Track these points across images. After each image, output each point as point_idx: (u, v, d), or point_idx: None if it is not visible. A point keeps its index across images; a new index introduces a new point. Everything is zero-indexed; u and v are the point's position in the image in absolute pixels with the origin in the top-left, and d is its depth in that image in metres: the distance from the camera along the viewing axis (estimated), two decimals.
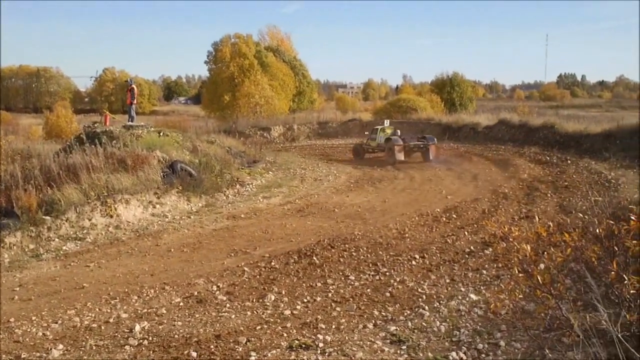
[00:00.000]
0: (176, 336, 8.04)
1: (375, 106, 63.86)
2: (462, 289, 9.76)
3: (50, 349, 7.73)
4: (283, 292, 9.84)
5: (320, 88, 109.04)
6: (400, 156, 27.79)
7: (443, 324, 8.15)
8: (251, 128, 42.10)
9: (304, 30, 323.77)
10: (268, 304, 9.31)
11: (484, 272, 10.69)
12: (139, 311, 9.22)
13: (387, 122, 32.34)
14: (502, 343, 7.37)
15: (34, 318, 9.05)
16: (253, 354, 7.26)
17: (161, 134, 23.56)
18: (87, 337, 8.17)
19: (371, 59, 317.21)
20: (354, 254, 12.04)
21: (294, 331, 8.08)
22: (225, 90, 54.63)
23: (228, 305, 9.35)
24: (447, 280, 10.27)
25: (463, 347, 7.32)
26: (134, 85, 26.17)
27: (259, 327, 8.26)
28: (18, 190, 14.36)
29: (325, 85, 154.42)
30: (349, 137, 41.29)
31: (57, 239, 13.86)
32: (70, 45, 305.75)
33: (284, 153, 33.05)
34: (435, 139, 29.86)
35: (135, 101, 25.84)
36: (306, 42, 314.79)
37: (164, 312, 9.12)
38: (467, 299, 9.22)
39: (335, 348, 7.36)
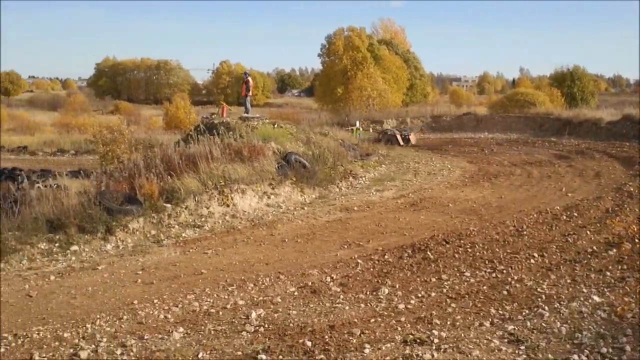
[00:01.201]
0: (291, 325, 8.14)
1: (490, 100, 62.72)
2: (584, 290, 9.40)
3: (172, 331, 7.99)
4: (397, 286, 9.80)
5: (433, 81, 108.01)
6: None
7: (564, 325, 7.87)
8: (364, 121, 42.08)
9: (416, 23, 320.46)
10: (382, 297, 9.30)
11: (608, 273, 10.24)
12: (255, 299, 9.40)
13: (358, 124, 40.29)
14: (627, 348, 7.07)
15: (155, 301, 9.39)
16: (367, 346, 7.25)
17: (275, 125, 23.96)
18: (206, 321, 8.40)
19: (487, 51, 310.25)
20: (469, 250, 11.83)
21: (408, 325, 8.02)
22: (338, 83, 54.94)
23: (342, 296, 9.40)
24: (568, 281, 9.91)
25: (585, 350, 7.05)
26: (249, 78, 26.70)
27: (372, 320, 8.25)
28: (141, 178, 14.92)
29: (439, 79, 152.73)
30: (463, 131, 40.66)
31: (176, 226, 14.32)
32: (189, 39, 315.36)
33: (397, 146, 32.89)
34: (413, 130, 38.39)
35: (250, 93, 26.36)
36: (419, 35, 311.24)
37: (279, 300, 9.26)
38: (590, 300, 8.87)
39: (451, 345, 7.26)
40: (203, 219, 14.88)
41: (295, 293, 9.65)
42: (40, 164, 37.77)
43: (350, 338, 7.55)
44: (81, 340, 7.84)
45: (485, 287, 9.62)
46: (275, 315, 8.58)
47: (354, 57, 54.69)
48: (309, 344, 7.38)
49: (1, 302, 9.70)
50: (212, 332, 7.95)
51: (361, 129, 39.39)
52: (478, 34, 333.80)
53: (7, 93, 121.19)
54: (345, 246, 12.62)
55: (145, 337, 7.83)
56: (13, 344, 7.82)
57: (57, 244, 12.63)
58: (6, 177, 22.26)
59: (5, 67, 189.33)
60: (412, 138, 36.13)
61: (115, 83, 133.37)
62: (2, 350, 7.63)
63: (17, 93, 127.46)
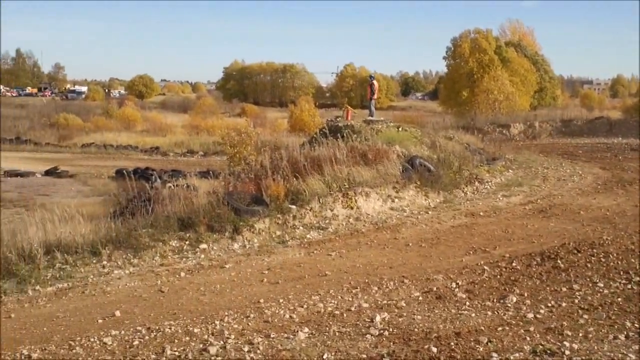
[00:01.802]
0: (416, 330, 8.05)
1: (624, 104, 59.98)
2: None
3: (297, 331, 8.07)
4: (525, 294, 9.50)
5: (563, 84, 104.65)
6: None
7: None
8: (489, 125, 41.29)
9: (547, 23, 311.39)
10: (509, 305, 9.05)
11: None
12: (379, 302, 9.37)
13: None
14: None
15: (281, 301, 9.53)
16: (495, 355, 7.07)
17: (400, 129, 23.86)
18: (331, 322, 8.44)
19: (621, 53, 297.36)
20: (602, 259, 11.29)
21: (538, 335, 7.76)
22: (463, 86, 54.21)
23: (468, 303, 9.22)
24: None
25: None
26: (374, 81, 26.71)
27: (500, 328, 8.04)
28: (267, 180, 15.19)
29: (569, 81, 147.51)
30: (595, 136, 38.99)
31: (301, 227, 14.50)
32: (314, 42, 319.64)
33: (525, 151, 31.97)
34: None
35: (375, 96, 26.37)
36: (549, 36, 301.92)
37: (404, 305, 9.19)
38: None
39: (583, 357, 6.96)
40: (327, 221, 15.00)
41: (420, 298, 9.54)
42: (171, 164, 39.28)
43: (477, 346, 7.38)
44: (210, 336, 8.06)
45: (619, 299, 9.17)
46: (400, 319, 8.52)
47: (481, 60, 53.79)
48: (434, 350, 7.27)
49: (136, 296, 10.14)
50: (337, 334, 7.98)
51: None
52: (612, 34, 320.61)
53: (141, 96, 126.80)
54: (471, 252, 12.38)
55: (272, 336, 7.96)
56: (146, 337, 8.14)
57: (187, 242, 13.05)
58: (140, 177, 23.22)
59: (139, 71, 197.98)
60: None
61: (242, 86, 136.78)
62: (136, 343, 7.95)
63: (150, 96, 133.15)
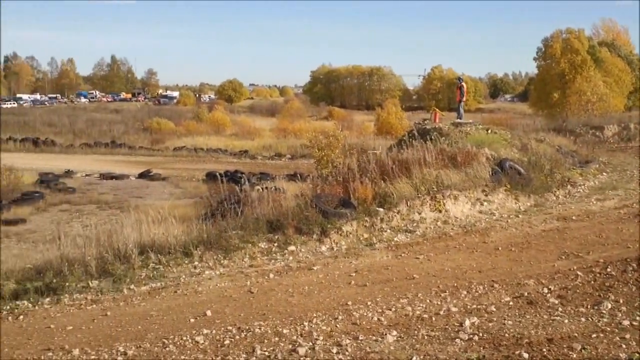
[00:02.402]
0: (506, 335, 7.92)
1: None
2: None
3: (385, 334, 8.06)
4: (620, 301, 9.20)
5: None
6: None
7: None
8: (582, 127, 40.13)
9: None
10: (604, 311, 8.78)
11: None
12: (468, 306, 9.25)
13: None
14: None
15: (369, 303, 9.53)
16: None
17: (489, 131, 23.52)
18: (419, 326, 8.39)
19: None
20: None
21: (634, 343, 7.50)
22: (554, 87, 53.16)
23: (560, 309, 8.99)
24: None
25: None
26: (463, 83, 26.47)
27: (594, 335, 7.81)
28: (355, 182, 15.23)
29: None
30: None
31: (388, 230, 14.47)
32: (400, 45, 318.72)
33: (619, 154, 30.98)
34: None
35: (464, 99, 26.12)
36: None
37: (494, 309, 9.05)
38: None
39: None
40: (415, 224, 14.92)
41: (510, 303, 9.37)
42: (260, 167, 39.93)
43: (570, 353, 7.21)
44: (299, 337, 8.14)
45: None
46: (490, 324, 8.39)
47: (573, 60, 52.63)
48: (525, 355, 7.14)
49: (226, 296, 10.33)
50: (426, 337, 7.93)
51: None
52: None
53: (230, 100, 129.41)
54: (563, 257, 12.06)
55: (360, 338, 7.97)
56: (237, 337, 8.28)
57: (275, 244, 13.22)
58: (229, 179, 23.67)
59: (229, 76, 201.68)
60: None
61: (329, 90, 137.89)
62: (227, 342, 8.10)
63: (239, 100, 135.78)
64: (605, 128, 40.00)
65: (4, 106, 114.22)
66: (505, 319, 8.59)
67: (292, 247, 13.09)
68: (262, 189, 15.95)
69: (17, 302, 10.70)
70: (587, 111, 48.39)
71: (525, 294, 9.74)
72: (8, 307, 10.53)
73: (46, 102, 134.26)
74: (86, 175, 39.28)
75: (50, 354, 8.09)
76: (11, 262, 13.08)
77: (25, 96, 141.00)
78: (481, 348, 7.49)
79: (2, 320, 9.88)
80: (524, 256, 12.20)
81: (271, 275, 11.41)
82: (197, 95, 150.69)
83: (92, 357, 7.90)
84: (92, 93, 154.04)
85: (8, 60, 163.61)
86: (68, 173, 39.09)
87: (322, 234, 13.69)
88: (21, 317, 9.96)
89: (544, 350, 7.30)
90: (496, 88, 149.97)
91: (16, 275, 11.64)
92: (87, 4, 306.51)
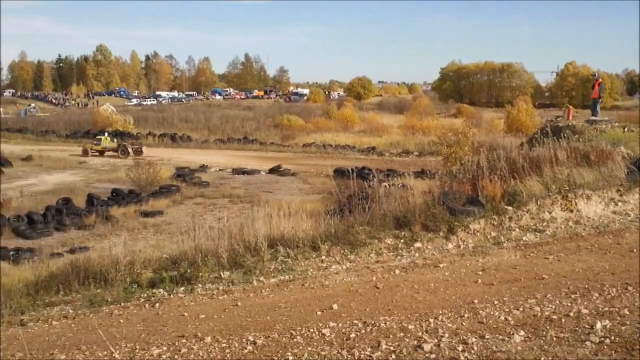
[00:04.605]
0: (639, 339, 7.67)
1: None
2: None
3: (512, 333, 7.96)
4: None
5: None
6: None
7: None
8: None
9: None
10: None
11: None
12: (600, 309, 8.98)
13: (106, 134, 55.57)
14: None
15: (495, 302, 9.43)
16: None
17: (625, 129, 22.63)
18: (548, 327, 8.23)
19: None
20: None
21: None
22: None
23: None
24: None
25: None
26: (600, 79, 25.55)
27: None
28: (484, 180, 15.06)
29: None
30: None
31: (517, 229, 14.22)
32: (534, 41, 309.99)
33: None
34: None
35: (601, 95, 25.26)
36: None
37: (627, 312, 8.74)
38: None
39: None
40: (545, 224, 14.59)
41: None
42: (387, 164, 40.00)
43: None
44: (424, 333, 8.17)
45: None
46: (622, 327, 8.12)
47: None
48: None
49: (352, 291, 10.50)
50: (554, 339, 7.78)
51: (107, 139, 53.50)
52: None
53: (359, 97, 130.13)
54: None
55: (486, 337, 7.92)
56: (362, 331, 8.42)
57: (402, 240, 13.29)
58: (357, 176, 23.87)
59: (358, 73, 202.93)
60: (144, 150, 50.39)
61: (458, 87, 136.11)
62: (353, 335, 8.25)
63: (367, 97, 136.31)
64: None
65: (144, 103, 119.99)
66: (638, 323, 8.31)
67: (418, 244, 13.13)
68: (390, 185, 16.05)
69: (154, 290, 11.35)
70: None
71: None
72: (145, 295, 11.19)
73: (183, 99, 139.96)
74: (219, 169, 40.65)
75: (184, 340, 8.52)
76: (149, 252, 13.78)
77: (164, 93, 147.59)
78: (612, 352, 7.28)
79: (140, 307, 10.51)
80: None
81: (397, 271, 11.49)
82: (327, 93, 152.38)
83: (224, 345, 8.24)
84: (227, 90, 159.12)
85: (149, 58, 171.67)
86: (203, 167, 40.58)
87: (449, 232, 13.64)
88: (157, 304, 10.54)
89: None
90: (633, 84, 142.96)
91: (153, 265, 12.32)
92: (222, 4, 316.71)
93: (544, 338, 7.81)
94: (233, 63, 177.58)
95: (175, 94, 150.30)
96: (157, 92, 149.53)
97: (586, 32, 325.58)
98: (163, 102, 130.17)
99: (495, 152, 17.89)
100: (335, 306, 9.60)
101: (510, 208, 14.62)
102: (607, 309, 8.97)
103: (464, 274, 11.17)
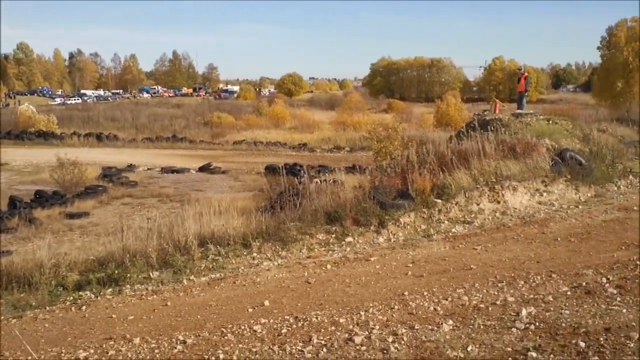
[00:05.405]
0: (563, 324, 7.87)
1: None
2: None
3: (441, 323, 8.10)
4: None
5: None
6: None
7: None
8: None
9: None
10: None
11: None
12: (526, 296, 9.22)
13: None
14: None
15: (425, 293, 9.59)
16: None
17: (550, 122, 23.20)
18: (475, 316, 8.40)
19: None
20: None
21: None
22: (618, 76, 51.95)
23: (619, 299, 8.88)
24: None
25: None
26: (526, 73, 26.15)
27: None
28: (414, 174, 15.26)
29: None
30: None
31: (446, 221, 14.48)
32: (461, 37, 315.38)
33: None
34: None
35: (527, 89, 25.85)
36: None
37: (551, 299, 8.99)
38: None
39: None
40: (473, 215, 14.88)
41: (568, 293, 9.30)
42: (318, 160, 40.08)
43: (628, 342, 7.14)
44: (355, 326, 8.24)
45: None
46: (547, 313, 8.35)
47: (637, 49, 51.28)
48: (582, 344, 7.10)
49: (284, 287, 10.52)
50: (482, 327, 7.95)
51: None
52: None
53: (290, 94, 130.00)
54: (623, 247, 11.88)
55: (416, 327, 8.03)
56: (294, 326, 8.44)
57: (333, 235, 13.38)
58: (288, 172, 23.89)
59: (289, 70, 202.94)
60: None
61: (388, 82, 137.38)
62: (284, 331, 8.27)
63: (298, 94, 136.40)
64: None
65: (69, 102, 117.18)
66: (562, 309, 8.53)
67: (349, 239, 13.24)
68: (321, 181, 16.11)
69: (81, 293, 11.18)
70: None
71: (584, 284, 9.65)
72: (71, 298, 11.01)
73: (109, 98, 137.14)
74: (148, 169, 40.02)
75: (112, 342, 8.40)
76: (75, 254, 13.49)
77: (89, 92, 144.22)
78: (537, 337, 7.47)
79: (67, 310, 10.31)
80: (583, 247, 12.08)
81: (328, 266, 11.57)
82: (257, 90, 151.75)
83: (153, 345, 8.17)
84: (155, 88, 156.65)
85: (73, 56, 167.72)
86: (130, 167, 39.88)
87: (379, 226, 13.79)
88: (84, 307, 10.38)
89: (601, 339, 7.25)
90: (558, 78, 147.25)
91: (80, 267, 12.11)
92: (149, 4, 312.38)
93: (471, 326, 7.96)
94: (161, 60, 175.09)
95: (101, 92, 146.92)
96: (82, 91, 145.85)
97: (513, 28, 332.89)
98: (88, 101, 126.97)
99: (425, 146, 18.11)
100: (266, 302, 9.61)
101: (439, 201, 14.86)
102: (532, 296, 9.21)
103: (394, 267, 11.32)
